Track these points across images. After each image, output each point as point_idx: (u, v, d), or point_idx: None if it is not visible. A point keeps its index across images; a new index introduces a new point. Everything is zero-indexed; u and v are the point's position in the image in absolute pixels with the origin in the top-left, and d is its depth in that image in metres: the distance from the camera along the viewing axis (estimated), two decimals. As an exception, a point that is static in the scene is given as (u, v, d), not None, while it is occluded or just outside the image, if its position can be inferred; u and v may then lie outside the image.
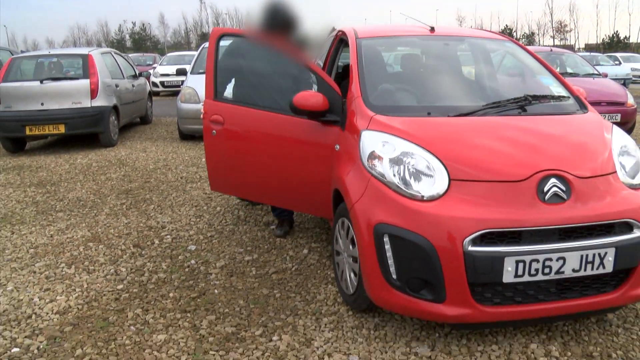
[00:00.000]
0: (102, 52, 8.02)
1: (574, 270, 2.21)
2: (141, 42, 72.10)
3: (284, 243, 3.72)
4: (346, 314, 2.71)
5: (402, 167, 2.35)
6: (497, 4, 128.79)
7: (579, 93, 3.14)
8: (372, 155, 2.45)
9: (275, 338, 2.50)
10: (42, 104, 6.95)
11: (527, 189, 2.23)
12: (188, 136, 8.14)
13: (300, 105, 2.93)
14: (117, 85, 7.85)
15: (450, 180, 2.28)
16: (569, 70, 8.41)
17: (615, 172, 2.44)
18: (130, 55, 25.46)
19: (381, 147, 2.45)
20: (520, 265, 2.16)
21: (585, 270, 2.23)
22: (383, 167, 2.38)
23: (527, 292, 2.25)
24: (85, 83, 7.10)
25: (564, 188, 2.25)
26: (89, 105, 7.15)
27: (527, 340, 2.44)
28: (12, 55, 8.62)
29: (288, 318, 2.69)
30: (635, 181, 2.48)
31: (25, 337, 2.55)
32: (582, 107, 2.97)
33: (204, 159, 6.65)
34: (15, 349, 2.44)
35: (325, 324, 2.61)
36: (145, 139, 8.41)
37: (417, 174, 2.32)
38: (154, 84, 16.19)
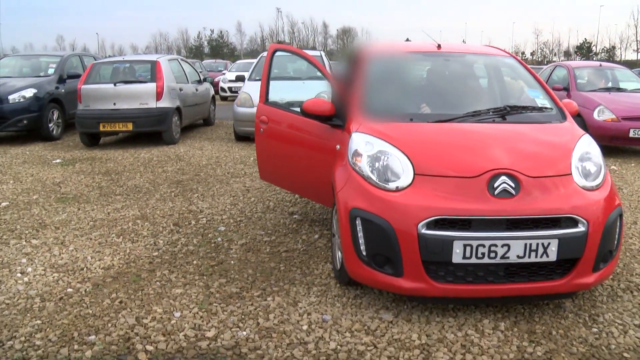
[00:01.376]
0: (169, 59, 9.00)
1: (518, 257, 2.59)
2: (218, 49, 75.64)
3: (300, 229, 4.27)
4: (334, 285, 3.21)
5: (378, 163, 2.84)
6: (577, 17, 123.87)
7: (564, 106, 3.47)
8: (356, 153, 2.95)
9: (269, 299, 3.05)
10: (114, 104, 7.97)
11: (478, 185, 2.64)
12: (242, 137, 8.91)
13: (310, 110, 3.50)
14: (180, 89, 8.77)
15: (415, 174, 2.73)
16: (621, 85, 8.40)
17: (570, 174, 2.78)
18: (203, 61, 27.25)
19: (364, 146, 2.94)
20: (468, 248, 2.57)
21: (529, 257, 2.60)
22: (362, 163, 2.87)
23: (477, 273, 2.66)
24: (152, 86, 8.06)
25: (513, 185, 2.64)
26: (155, 106, 8.10)
27: (482, 316, 2.83)
28: (95, 60, 9.81)
29: (285, 285, 3.23)
30: (590, 183, 2.80)
31: (77, 282, 3.26)
32: (562, 118, 3.30)
33: (252, 158, 7.35)
34: (69, 289, 3.16)
35: (314, 292, 3.13)
36: (205, 138, 9.28)
37: (389, 169, 2.79)
38: (222, 89, 17.36)
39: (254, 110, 8.15)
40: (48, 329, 2.71)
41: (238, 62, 20.39)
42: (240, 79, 9.73)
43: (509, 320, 2.81)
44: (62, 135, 9.24)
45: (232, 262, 3.63)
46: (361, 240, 2.76)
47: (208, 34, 77.13)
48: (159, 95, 8.08)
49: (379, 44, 4.18)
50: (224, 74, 19.22)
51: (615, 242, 2.83)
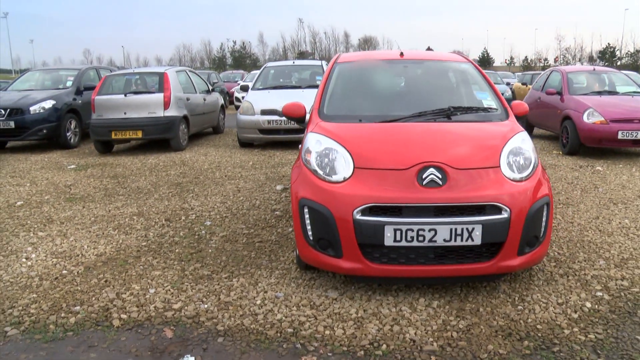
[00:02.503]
0: (177, 71, 9.62)
1: (445, 240, 2.96)
2: (241, 59, 77.07)
3: (278, 223, 4.70)
4: (294, 270, 3.63)
5: (324, 159, 3.25)
6: (600, 22, 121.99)
7: (515, 106, 3.84)
8: (307, 150, 3.37)
9: (234, 280, 3.49)
10: (125, 113, 8.59)
11: (408, 176, 3.03)
12: (246, 144, 9.43)
13: (286, 113, 3.97)
14: (188, 99, 9.35)
15: (354, 168, 3.14)
16: (618, 88, 8.62)
17: (499, 166, 3.14)
18: (221, 73, 28.11)
19: (314, 144, 3.37)
20: (398, 232, 2.95)
21: (455, 241, 2.96)
22: (311, 158, 3.29)
23: (409, 255, 3.03)
24: (159, 96, 8.66)
25: (440, 176, 3.02)
26: (162, 115, 8.68)
27: (420, 296, 3.20)
28: (112, 72, 10.50)
29: (251, 269, 3.66)
30: (518, 175, 3.15)
31: (72, 266, 3.76)
32: (504, 117, 3.67)
33: (250, 162, 7.85)
34: (64, 271, 3.66)
35: (275, 275, 3.55)
36: (211, 145, 9.83)
37: (333, 164, 3.20)
38: (237, 99, 17.99)
39: (255, 117, 8.77)
40: (42, 301, 3.20)
41: (253, 72, 21.07)
42: (244, 88, 10.28)
43: (443, 299, 3.17)
44: (79, 144, 9.94)
45: (210, 250, 4.08)
46: (308, 227, 3.17)
47: (231, 45, 78.78)
48: (166, 105, 8.66)
49: (349, 53, 4.61)
50: (239, 84, 19.88)
51: (542, 229, 3.16)
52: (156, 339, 2.78)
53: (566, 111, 7.89)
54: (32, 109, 8.94)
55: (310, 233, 3.16)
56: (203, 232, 4.54)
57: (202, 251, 4.07)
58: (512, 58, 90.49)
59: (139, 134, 8.60)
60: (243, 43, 77.86)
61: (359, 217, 2.98)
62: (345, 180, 3.12)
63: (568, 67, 9.37)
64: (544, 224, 3.16)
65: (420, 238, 2.96)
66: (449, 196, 2.98)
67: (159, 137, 8.85)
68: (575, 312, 2.99)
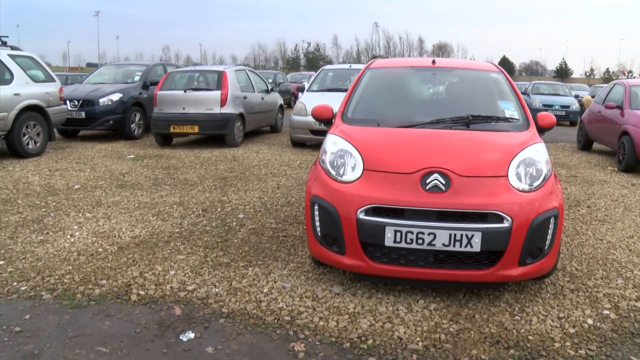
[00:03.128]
0: (236, 70, 10.08)
1: (444, 245, 3.05)
2: (314, 61, 78.14)
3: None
4: (308, 264, 3.82)
5: (338, 159, 3.42)
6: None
7: (540, 118, 3.84)
8: (323, 151, 3.56)
9: (250, 269, 3.73)
10: (183, 109, 9.13)
11: (412, 180, 3.14)
12: (298, 144, 9.73)
13: (315, 115, 4.17)
14: (245, 97, 9.78)
15: (364, 170, 3.29)
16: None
17: (506, 176, 3.18)
18: (291, 73, 28.77)
19: (330, 145, 3.55)
20: (398, 234, 3.08)
21: (454, 246, 3.04)
22: (326, 159, 3.48)
23: (409, 257, 3.15)
24: (217, 94, 9.14)
25: (443, 182, 3.11)
26: (219, 112, 9.15)
27: (420, 298, 3.30)
28: (177, 69, 11.17)
29: (268, 260, 3.90)
30: (527, 186, 3.18)
31: (108, 245, 4.16)
32: (524, 128, 3.67)
33: (298, 162, 8.13)
34: (100, 249, 4.06)
35: (289, 267, 3.76)
36: (265, 143, 10.21)
37: (345, 165, 3.37)
38: (300, 100, 18.44)
39: (307, 118, 9.04)
40: (75, 273, 3.60)
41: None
42: (301, 89, 10.63)
43: (442, 303, 3.26)
44: (142, 135, 10.66)
45: (235, 240, 4.36)
46: (317, 223, 3.35)
47: (305, 47, 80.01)
48: (222, 102, 9.12)
49: (384, 60, 4.75)
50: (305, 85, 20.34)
51: (548, 241, 3.17)
52: (165, 315, 3.07)
53: (625, 126, 7.55)
54: (101, 101, 9.72)
55: (318, 229, 3.35)
56: (234, 223, 4.84)
57: (228, 241, 4.35)
58: (592, 70, 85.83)
59: (196, 129, 9.11)
60: (317, 45, 78.99)
61: (362, 216, 3.13)
62: (354, 181, 3.28)
63: (633, 80, 8.90)
64: (550, 236, 3.17)
65: (420, 241, 3.06)
66: (450, 202, 3.07)
67: (214, 133, 9.34)
68: (574, 327, 2.98)
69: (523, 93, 19.31)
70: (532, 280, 3.51)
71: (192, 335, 2.85)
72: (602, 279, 3.66)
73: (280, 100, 11.99)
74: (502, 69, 4.44)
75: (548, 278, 3.57)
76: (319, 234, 3.35)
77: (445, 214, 3.07)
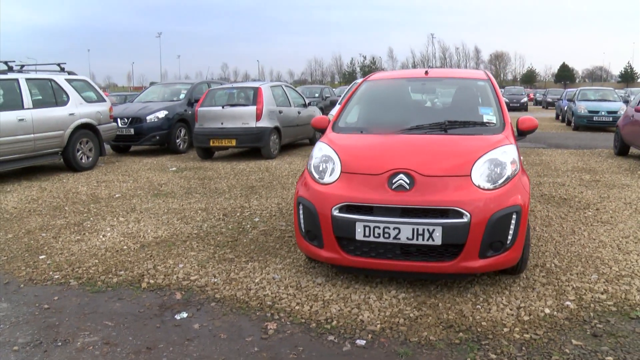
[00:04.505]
0: (272, 86, 10.76)
1: (408, 239, 3.43)
2: (370, 74, 78.59)
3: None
4: (302, 260, 4.28)
5: (321, 164, 3.89)
6: None
7: (522, 121, 4.17)
8: (311, 156, 4.04)
9: (250, 263, 4.25)
10: (222, 123, 9.88)
11: (380, 180, 3.55)
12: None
13: (314, 125, 4.66)
14: (280, 112, 10.41)
15: (341, 172, 3.74)
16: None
17: (468, 175, 3.52)
18: (339, 87, 29.43)
19: (317, 151, 4.02)
20: (367, 229, 3.49)
21: (417, 240, 3.42)
22: (311, 163, 3.95)
23: (379, 250, 3.54)
24: (252, 109, 9.83)
25: (408, 181, 3.50)
26: (254, 126, 9.83)
27: (393, 288, 3.68)
28: (227, 85, 12.01)
29: (268, 257, 4.39)
30: (490, 185, 3.51)
31: (132, 243, 4.81)
32: (498, 131, 3.99)
33: (326, 172, 8.61)
34: (124, 247, 4.71)
35: (284, 263, 4.24)
36: (301, 155, 10.79)
37: (326, 168, 3.83)
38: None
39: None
40: (100, 265, 4.25)
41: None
42: (334, 103, 11.17)
43: (412, 293, 3.62)
44: (187, 150, 11.53)
45: (245, 240, 4.89)
46: (301, 220, 3.82)
47: (361, 60, 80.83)
48: (258, 117, 9.80)
49: (381, 72, 5.19)
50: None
51: (510, 236, 3.46)
52: (167, 299, 3.63)
53: (654, 130, 7.50)
54: (148, 118, 10.68)
55: (302, 226, 3.82)
56: (248, 226, 5.39)
57: (238, 240, 4.89)
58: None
59: (233, 142, 9.83)
60: (373, 58, 79.69)
61: (336, 213, 3.57)
62: (332, 182, 3.73)
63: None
64: (512, 231, 3.46)
65: (386, 235, 3.46)
66: (413, 199, 3.45)
67: (250, 146, 10.02)
68: (529, 315, 3.26)
69: (569, 100, 18.91)
70: (503, 274, 3.82)
71: (185, 315, 3.38)
72: (577, 274, 3.89)
73: (318, 113, 12.56)
74: (491, 77, 4.76)
75: (522, 273, 3.85)
76: (303, 230, 3.82)
77: (409, 210, 3.45)
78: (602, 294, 3.56)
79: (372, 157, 3.77)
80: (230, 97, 10.44)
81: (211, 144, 9.91)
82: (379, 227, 3.46)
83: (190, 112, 11.35)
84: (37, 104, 8.06)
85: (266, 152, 10.06)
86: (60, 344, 3.00)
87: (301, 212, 3.81)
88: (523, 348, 2.89)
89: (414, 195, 3.47)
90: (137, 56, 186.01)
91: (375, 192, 3.54)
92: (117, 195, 6.98)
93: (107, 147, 11.04)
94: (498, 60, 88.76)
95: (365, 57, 78.53)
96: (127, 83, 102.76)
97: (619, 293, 3.56)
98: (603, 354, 2.80)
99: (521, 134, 4.27)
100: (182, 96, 11.70)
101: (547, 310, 3.31)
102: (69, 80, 8.83)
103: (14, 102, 7.75)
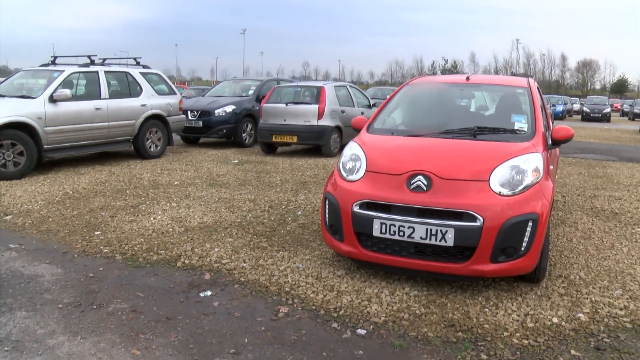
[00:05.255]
0: (336, 86, 11.06)
1: (421, 238, 3.60)
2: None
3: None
4: (329, 253, 4.54)
5: (349, 162, 4.13)
6: None
7: (556, 130, 4.20)
8: (342, 154, 4.28)
9: (280, 252, 4.56)
10: (284, 120, 10.31)
11: (399, 180, 3.74)
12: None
13: (353, 125, 4.92)
14: (343, 111, 10.69)
15: (366, 171, 3.96)
16: None
17: (487, 181, 3.63)
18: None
19: (347, 150, 4.26)
20: (383, 226, 3.69)
21: (430, 240, 3.58)
22: (341, 161, 4.20)
23: (394, 247, 3.74)
24: (314, 107, 10.18)
25: (425, 183, 3.66)
26: (316, 124, 10.17)
27: (408, 285, 3.86)
28: (293, 83, 12.48)
29: (300, 248, 4.69)
30: (507, 191, 3.60)
31: (177, 227, 5.28)
32: (527, 139, 4.03)
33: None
34: (170, 229, 5.19)
35: (313, 254, 4.52)
36: (361, 155, 10.99)
37: (354, 167, 4.06)
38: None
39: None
40: (144, 244, 4.73)
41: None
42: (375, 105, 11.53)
43: (425, 292, 3.77)
44: (253, 144, 12.09)
45: (282, 231, 5.22)
46: (326, 214, 4.08)
47: (442, 64, 79.19)
48: (319, 115, 10.14)
49: (424, 77, 5.33)
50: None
51: (524, 243, 3.53)
52: (197, 278, 4.02)
53: None
54: (216, 112, 11.34)
55: (327, 220, 4.08)
56: (289, 218, 5.71)
57: (275, 231, 5.23)
58: None
59: (295, 139, 10.23)
60: (454, 62, 77.61)
61: (356, 209, 3.80)
62: (357, 180, 3.96)
63: None
64: (527, 238, 3.53)
65: (401, 233, 3.65)
66: (429, 200, 3.61)
67: (311, 143, 10.38)
68: (535, 323, 3.33)
69: None
70: (522, 281, 3.88)
71: (209, 293, 3.75)
72: (600, 288, 3.86)
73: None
74: (532, 85, 4.76)
75: (541, 282, 3.88)
76: (327, 224, 4.08)
77: (424, 211, 3.62)
78: (621, 309, 3.53)
79: (394, 158, 3.96)
80: (294, 95, 10.86)
81: (273, 139, 10.38)
82: (395, 225, 3.65)
83: (257, 108, 11.89)
84: (112, 95, 8.88)
85: (326, 150, 10.38)
86: (95, 307, 3.46)
87: (327, 206, 4.07)
88: (517, 352, 2.99)
89: (430, 197, 3.63)
90: (222, 51, 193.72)
91: (394, 191, 3.73)
92: (175, 183, 7.57)
93: (177, 137, 11.86)
94: (586, 69, 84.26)
95: (446, 61, 76.66)
96: (211, 77, 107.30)
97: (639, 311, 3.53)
98: (599, 366, 2.86)
99: (555, 143, 4.28)
100: (250, 92, 12.30)
101: (555, 320, 3.36)
102: (143, 74, 9.62)
103: (93, 93, 8.61)
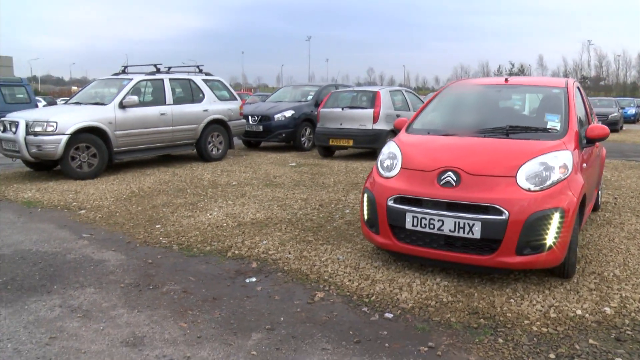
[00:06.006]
0: (392, 90, 11.38)
1: (450, 231, 3.87)
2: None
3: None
4: (370, 247, 4.87)
5: (387, 160, 4.45)
6: None
7: (590, 129, 4.34)
8: (380, 153, 4.61)
9: (324, 246, 4.94)
10: (340, 124, 10.71)
11: (431, 176, 4.02)
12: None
13: (395, 126, 5.25)
14: (398, 115, 10.94)
15: (401, 168, 4.26)
16: None
17: (514, 177, 3.84)
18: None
19: (386, 148, 4.58)
20: (415, 219, 3.99)
21: (458, 232, 3.84)
22: (379, 159, 4.52)
23: (425, 239, 4.02)
24: (369, 112, 10.52)
25: (455, 178, 3.92)
26: (371, 128, 10.50)
27: (440, 277, 4.11)
28: (337, 89, 12.89)
29: (342, 241, 5.05)
30: (534, 187, 3.79)
31: (231, 221, 5.78)
32: (558, 137, 4.19)
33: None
34: (224, 224, 5.69)
35: (354, 247, 4.86)
36: (418, 159, 11.20)
37: (390, 164, 4.38)
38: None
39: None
40: (199, 236, 5.25)
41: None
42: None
43: (456, 282, 4.02)
44: (312, 148, 12.57)
45: (329, 227, 5.60)
46: (365, 209, 4.42)
47: (508, 68, 76.96)
48: (375, 119, 10.46)
49: (465, 79, 5.55)
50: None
51: (550, 237, 3.70)
52: (244, 266, 4.47)
53: None
54: (276, 116, 11.93)
55: (365, 214, 4.42)
56: (337, 216, 6.09)
57: (322, 227, 5.62)
58: None
59: (351, 143, 10.61)
60: (522, 66, 75.32)
61: (390, 203, 4.12)
62: (392, 176, 4.28)
63: None
64: (553, 232, 3.71)
65: (431, 226, 3.93)
66: (458, 195, 3.87)
67: (367, 147, 10.72)
68: (558, 313, 3.50)
69: None
70: (552, 275, 4.04)
71: (254, 279, 4.18)
72: (633, 285, 3.96)
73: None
74: (570, 85, 4.87)
75: (571, 277, 4.03)
76: (365, 218, 4.41)
77: (453, 205, 3.88)
78: (649, 305, 3.64)
79: (427, 156, 4.25)
80: (350, 99, 11.25)
81: (330, 143, 10.80)
82: (425, 219, 3.94)
83: (315, 113, 12.38)
84: (177, 101, 9.64)
85: (382, 154, 10.68)
86: (151, 287, 3.98)
87: (365, 202, 4.41)
88: (534, 339, 3.20)
89: (458, 191, 3.89)
90: (287, 59, 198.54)
91: (425, 186, 4.02)
92: (233, 183, 8.13)
93: (239, 141, 12.54)
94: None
95: (513, 65, 74.65)
96: (276, 84, 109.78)
97: (670, 306, 3.61)
98: (614, 355, 3.01)
99: (590, 141, 4.41)
100: (309, 97, 12.83)
101: (579, 312, 3.52)
102: (205, 81, 10.35)
103: (159, 99, 9.41)
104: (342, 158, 11.28)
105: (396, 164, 4.33)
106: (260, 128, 12.03)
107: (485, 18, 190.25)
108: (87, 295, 3.81)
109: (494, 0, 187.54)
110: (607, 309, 3.57)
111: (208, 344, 3.11)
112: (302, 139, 12.29)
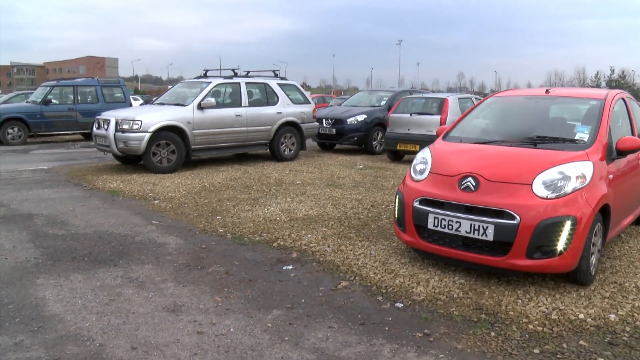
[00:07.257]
0: (460, 97, 11.62)
1: (466, 232, 4.23)
2: (619, 89, 68.99)
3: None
4: (402, 243, 5.29)
5: (419, 165, 4.87)
6: None
7: (621, 142, 4.53)
8: (415, 158, 5.03)
9: (362, 242, 5.42)
10: (408, 130, 11.08)
11: (453, 181, 4.40)
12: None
13: (436, 134, 5.65)
14: (468, 121, 11.12)
15: (429, 173, 4.67)
16: None
17: (530, 184, 4.13)
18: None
19: (420, 154, 5.00)
20: (436, 220, 4.39)
21: (473, 234, 4.20)
22: (413, 164, 4.95)
23: (445, 239, 4.41)
24: (436, 118, 10.82)
25: (474, 183, 4.28)
26: (439, 133, 10.76)
27: (459, 276, 4.47)
28: (410, 95, 13.20)
29: (380, 239, 5.52)
30: (551, 194, 4.07)
31: (284, 216, 6.41)
32: (584, 148, 4.40)
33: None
34: (277, 219, 6.33)
35: (389, 245, 5.31)
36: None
37: (422, 169, 4.79)
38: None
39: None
40: (252, 228, 5.92)
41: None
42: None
43: (472, 281, 4.36)
44: (382, 152, 12.99)
45: (372, 226, 6.07)
46: (396, 209, 4.87)
47: (607, 74, 71.56)
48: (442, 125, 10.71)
49: (509, 90, 5.81)
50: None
51: (561, 243, 3.94)
52: (285, 256, 5.06)
53: None
54: (348, 120, 12.50)
55: (396, 213, 4.87)
56: (384, 216, 6.54)
57: (367, 225, 6.10)
58: None
59: (417, 148, 10.89)
60: (622, 71, 69.65)
61: (416, 205, 4.55)
62: (421, 180, 4.70)
63: None
64: (564, 239, 3.96)
65: (450, 227, 4.31)
66: (475, 199, 4.23)
67: (434, 152, 10.99)
68: (560, 316, 3.76)
69: None
70: (568, 282, 4.27)
71: (290, 267, 4.77)
72: (650, 296, 4.10)
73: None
74: (610, 97, 4.99)
75: (588, 285, 4.24)
76: (396, 217, 4.86)
77: (471, 208, 4.24)
78: (658, 315, 3.79)
79: (453, 162, 4.62)
80: (419, 105, 11.58)
81: (398, 147, 11.20)
82: (445, 220, 4.33)
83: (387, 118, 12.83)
84: (252, 103, 10.51)
85: (449, 160, 10.92)
86: (199, 268, 4.68)
87: (397, 202, 4.86)
88: (526, 335, 3.51)
89: (476, 196, 4.24)
90: (377, 62, 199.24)
91: (447, 190, 4.41)
92: (297, 182, 8.79)
93: (314, 144, 13.23)
94: None
95: (613, 70, 69.29)
96: (366, 87, 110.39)
97: (678, 318, 3.75)
98: (598, 356, 3.24)
99: (620, 153, 4.57)
100: (383, 102, 13.28)
101: (581, 316, 3.76)
102: (280, 85, 11.14)
103: (235, 101, 10.33)
104: (409, 163, 11.59)
105: (426, 169, 4.74)
106: (334, 131, 12.66)
107: (586, 22, 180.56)
108: (145, 270, 4.58)
109: (600, 2, 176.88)
110: (613, 316, 3.77)
111: (233, 315, 3.73)
112: (374, 143, 12.76)
